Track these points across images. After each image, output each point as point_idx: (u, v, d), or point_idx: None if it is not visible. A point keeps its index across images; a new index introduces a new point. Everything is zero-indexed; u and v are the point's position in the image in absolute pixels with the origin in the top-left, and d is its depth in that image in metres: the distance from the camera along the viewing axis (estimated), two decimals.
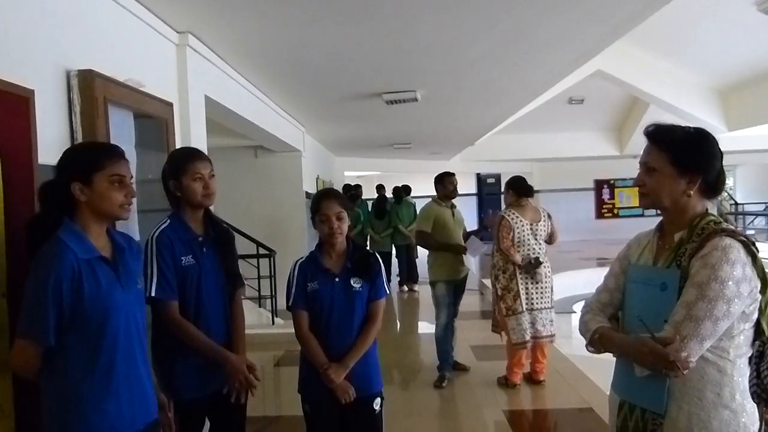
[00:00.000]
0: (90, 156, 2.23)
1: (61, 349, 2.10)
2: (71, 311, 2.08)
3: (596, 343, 2.19)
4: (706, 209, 2.12)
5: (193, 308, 2.89)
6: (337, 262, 3.12)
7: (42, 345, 2.07)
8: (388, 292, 3.24)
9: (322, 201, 3.07)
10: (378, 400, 3.14)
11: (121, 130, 3.23)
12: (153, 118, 3.72)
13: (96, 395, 2.15)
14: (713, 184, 2.09)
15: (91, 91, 2.90)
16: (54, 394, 2.14)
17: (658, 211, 2.20)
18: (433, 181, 6.44)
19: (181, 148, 3.28)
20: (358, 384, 3.03)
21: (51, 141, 2.67)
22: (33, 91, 2.48)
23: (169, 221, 2.93)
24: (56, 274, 2.05)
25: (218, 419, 3.08)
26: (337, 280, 3.07)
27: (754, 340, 2.01)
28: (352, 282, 3.08)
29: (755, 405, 2.01)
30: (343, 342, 3.04)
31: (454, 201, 6.43)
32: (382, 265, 3.23)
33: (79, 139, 2.87)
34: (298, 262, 3.15)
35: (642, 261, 2.21)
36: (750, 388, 2.01)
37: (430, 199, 6.49)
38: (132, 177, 2.32)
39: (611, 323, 2.24)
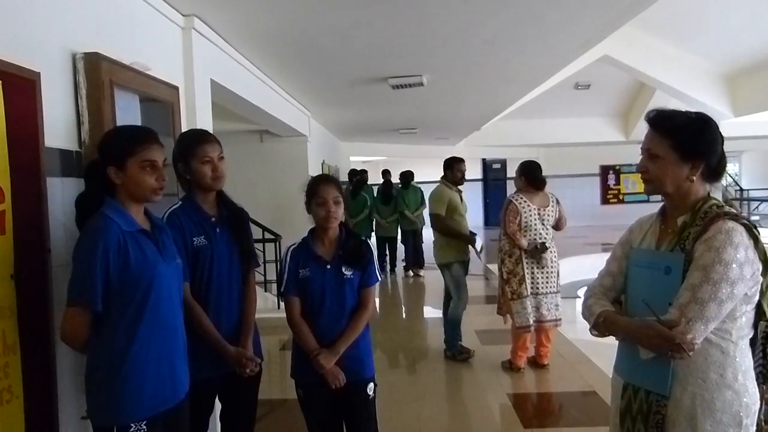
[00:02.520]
0: (124, 142, 2.36)
1: (107, 318, 2.24)
2: (118, 279, 2.23)
3: (600, 326, 2.20)
4: (708, 193, 2.13)
5: (205, 288, 2.92)
6: (329, 249, 3.13)
7: (91, 311, 2.22)
8: (380, 278, 3.25)
9: (320, 185, 3.08)
10: (371, 385, 3.16)
11: (127, 114, 3.22)
12: (159, 102, 3.71)
13: (138, 363, 2.28)
14: (715, 169, 2.11)
15: (97, 74, 2.88)
16: (98, 361, 2.29)
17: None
18: (443, 165, 6.44)
19: (190, 130, 3.28)
20: (349, 369, 3.05)
21: (57, 124, 2.67)
22: (39, 73, 2.47)
23: (180, 203, 2.97)
24: (103, 243, 2.20)
25: (230, 401, 3.11)
26: (328, 267, 3.08)
27: (755, 321, 2.03)
28: (343, 269, 3.09)
29: (756, 385, 2.03)
30: (335, 328, 3.06)
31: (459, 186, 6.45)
32: (374, 252, 3.24)
33: (86, 122, 2.86)
34: (291, 249, 3.17)
35: (644, 245, 2.22)
36: (756, 369, 2.03)
37: (438, 183, 6.48)
38: (165, 159, 2.41)
39: (614, 307, 2.25)
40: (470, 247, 6.26)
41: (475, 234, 6.39)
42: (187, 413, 2.59)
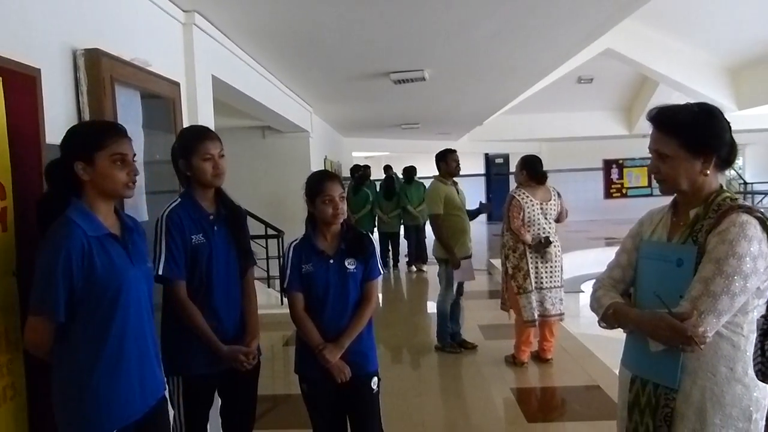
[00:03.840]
0: (91, 135, 2.26)
1: (73, 327, 2.14)
2: (83, 287, 2.12)
3: (610, 318, 2.18)
4: (721, 185, 2.11)
5: (204, 286, 2.91)
6: (331, 243, 3.13)
7: (53, 321, 2.11)
8: (382, 272, 3.25)
9: (325, 182, 3.07)
10: (375, 379, 3.16)
11: (128, 110, 3.22)
12: (160, 98, 3.70)
13: (107, 373, 2.19)
14: (726, 158, 2.08)
15: (97, 70, 2.87)
16: (66, 372, 2.18)
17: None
18: (435, 160, 6.43)
19: (191, 126, 3.27)
20: (353, 363, 3.05)
21: (58, 120, 2.65)
22: (39, 70, 2.46)
23: (180, 200, 2.94)
24: (66, 251, 2.08)
25: (229, 396, 3.11)
26: (331, 261, 3.09)
27: (766, 315, 2.01)
28: (346, 263, 3.09)
29: None
30: (339, 323, 3.06)
31: (457, 179, 6.46)
32: (375, 245, 3.24)
33: (87, 118, 2.86)
34: (293, 244, 3.16)
35: (655, 237, 2.20)
36: (755, 366, 2.01)
37: (432, 180, 6.48)
38: (135, 155, 2.33)
39: (623, 300, 2.24)
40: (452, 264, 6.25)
41: (469, 257, 6.37)
42: (164, 418, 2.54)
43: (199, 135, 2.97)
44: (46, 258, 2.11)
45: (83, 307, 2.14)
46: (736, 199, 2.05)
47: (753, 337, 2.00)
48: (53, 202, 2.22)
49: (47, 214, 2.20)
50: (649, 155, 2.15)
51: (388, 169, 12.55)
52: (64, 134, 2.26)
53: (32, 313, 2.13)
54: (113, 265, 2.20)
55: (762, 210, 2.03)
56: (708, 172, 2.05)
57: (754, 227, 1.92)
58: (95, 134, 2.25)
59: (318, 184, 3.08)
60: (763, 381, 2.00)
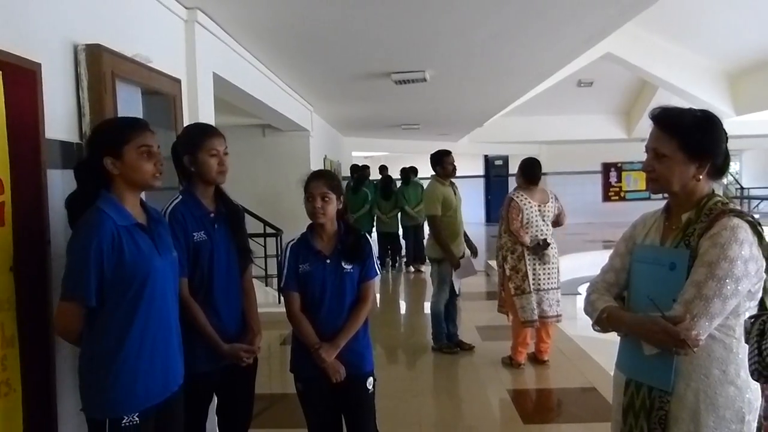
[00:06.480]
0: (118, 130, 2.36)
1: (101, 312, 2.24)
2: (112, 274, 2.22)
3: (604, 322, 2.20)
4: (713, 190, 2.13)
5: (205, 283, 2.92)
6: (328, 243, 3.14)
7: (85, 306, 2.22)
8: (378, 272, 3.27)
9: (311, 181, 3.10)
10: (371, 379, 3.17)
11: (129, 106, 3.21)
12: (161, 95, 3.69)
13: (131, 357, 2.28)
14: (720, 167, 2.11)
15: (98, 65, 2.86)
16: (92, 355, 2.29)
17: (664, 195, 2.20)
18: (431, 161, 6.43)
19: (197, 123, 3.29)
20: (349, 363, 3.06)
21: (58, 116, 2.66)
22: (40, 64, 2.45)
23: (181, 197, 2.95)
24: (97, 238, 2.19)
25: (227, 395, 3.12)
26: (328, 261, 3.10)
27: (756, 318, 2.03)
28: (343, 263, 3.10)
29: None
30: (335, 322, 3.07)
31: (456, 180, 6.47)
32: (372, 245, 3.26)
33: (87, 114, 2.85)
34: (290, 244, 3.18)
35: (648, 241, 2.22)
36: (750, 366, 2.02)
37: (430, 180, 6.48)
38: (159, 146, 2.40)
39: (617, 303, 2.25)
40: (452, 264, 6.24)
41: (469, 255, 6.34)
42: (180, 406, 2.59)
43: (205, 131, 3.00)
44: (78, 246, 2.22)
45: (112, 293, 2.24)
46: (727, 203, 2.08)
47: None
48: (83, 201, 2.32)
49: (78, 211, 2.30)
50: None
51: (383, 169, 12.56)
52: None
53: (64, 298, 2.24)
54: (141, 254, 2.30)
55: (753, 214, 2.05)
56: (700, 177, 2.07)
57: (745, 231, 1.95)
58: (121, 129, 2.36)
59: (306, 182, 3.12)
60: (757, 381, 2.02)
